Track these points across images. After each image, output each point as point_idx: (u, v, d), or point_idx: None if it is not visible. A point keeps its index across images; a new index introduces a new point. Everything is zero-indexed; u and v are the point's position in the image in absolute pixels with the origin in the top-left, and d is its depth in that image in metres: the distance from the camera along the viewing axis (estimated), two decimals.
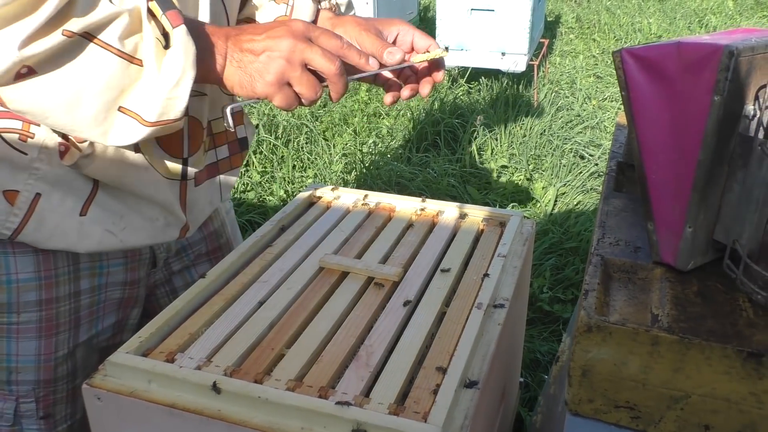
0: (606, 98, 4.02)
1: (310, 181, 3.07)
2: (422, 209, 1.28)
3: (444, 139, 3.41)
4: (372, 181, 2.97)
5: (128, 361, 0.84)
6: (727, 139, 0.59)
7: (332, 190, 1.35)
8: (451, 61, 3.86)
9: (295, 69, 0.81)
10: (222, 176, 1.11)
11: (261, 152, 3.27)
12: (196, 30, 0.80)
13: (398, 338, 0.91)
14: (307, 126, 3.55)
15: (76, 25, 0.72)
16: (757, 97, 0.57)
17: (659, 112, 0.61)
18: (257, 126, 3.42)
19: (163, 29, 0.76)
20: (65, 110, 0.75)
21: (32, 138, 0.87)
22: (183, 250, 1.15)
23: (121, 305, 1.06)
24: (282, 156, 3.26)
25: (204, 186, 1.07)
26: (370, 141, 3.46)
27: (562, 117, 3.65)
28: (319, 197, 1.35)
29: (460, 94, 3.99)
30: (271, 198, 2.92)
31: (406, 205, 1.30)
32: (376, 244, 1.16)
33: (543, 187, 2.93)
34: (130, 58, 0.75)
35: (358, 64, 0.89)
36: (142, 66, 0.76)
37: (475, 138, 3.36)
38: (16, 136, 0.86)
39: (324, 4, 1.10)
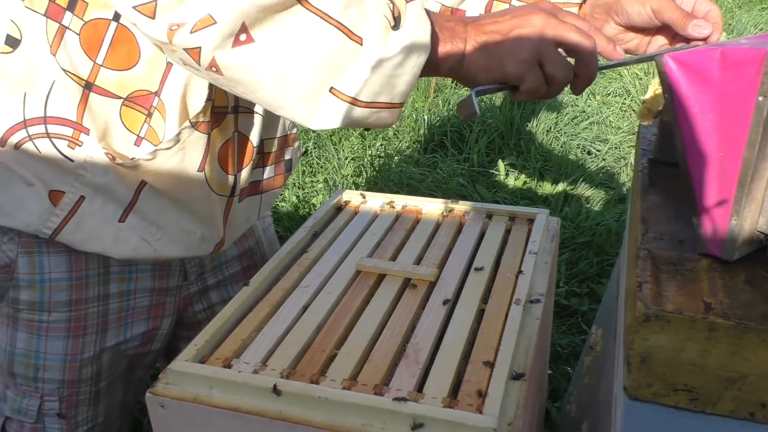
0: (609, 93, 4.06)
1: (320, 186, 3.11)
2: (450, 210, 1.31)
3: (451, 140, 3.45)
4: (383, 183, 3.00)
5: (188, 368, 0.88)
6: None
7: (361, 195, 1.39)
8: None
9: (550, 46, 0.75)
10: (263, 195, 1.13)
11: None
12: (430, 15, 0.76)
13: (442, 335, 0.95)
14: (314, 131, 3.58)
15: None
16: None
17: (702, 114, 0.64)
18: None
19: (395, 10, 0.72)
20: (278, 84, 0.73)
21: (80, 146, 0.89)
22: (219, 267, 1.18)
23: (150, 314, 1.08)
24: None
25: (244, 203, 1.09)
26: (377, 144, 3.49)
27: (567, 114, 3.69)
28: (347, 202, 1.38)
29: (464, 93, 4.03)
30: (283, 204, 2.95)
31: (432, 207, 1.33)
32: (409, 245, 1.20)
33: (552, 184, 2.97)
34: (349, 33, 0.71)
35: (606, 50, 0.82)
36: (360, 44, 0.72)
37: (482, 137, 3.40)
38: (65, 142, 0.89)
39: None
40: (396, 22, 0.72)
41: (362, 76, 0.72)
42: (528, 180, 3.04)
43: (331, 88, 0.73)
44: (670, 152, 0.78)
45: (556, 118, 3.62)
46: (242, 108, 0.98)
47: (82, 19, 0.83)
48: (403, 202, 1.36)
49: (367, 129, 0.86)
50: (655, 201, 0.81)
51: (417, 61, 0.73)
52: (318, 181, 3.15)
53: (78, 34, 0.84)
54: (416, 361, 0.89)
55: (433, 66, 0.77)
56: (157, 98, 0.89)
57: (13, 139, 0.88)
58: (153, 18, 0.70)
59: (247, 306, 1.03)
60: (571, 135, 3.46)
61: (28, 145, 0.88)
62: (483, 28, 0.77)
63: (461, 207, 1.32)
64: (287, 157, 1.12)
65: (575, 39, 0.75)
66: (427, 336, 0.95)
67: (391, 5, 0.72)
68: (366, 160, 3.28)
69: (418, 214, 1.33)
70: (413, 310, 1.01)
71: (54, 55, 0.84)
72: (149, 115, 0.89)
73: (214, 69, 0.72)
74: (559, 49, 0.77)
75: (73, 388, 1.04)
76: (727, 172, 0.63)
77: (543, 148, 3.33)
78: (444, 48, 0.76)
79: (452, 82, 4.21)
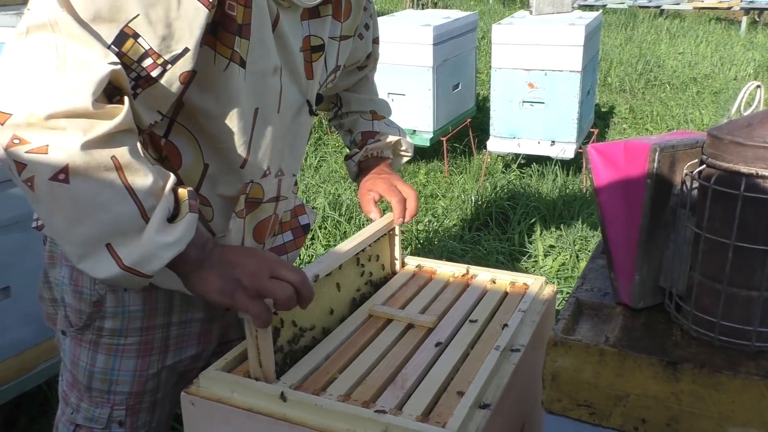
0: None
1: None
2: (460, 273, 1.50)
3: (495, 220, 3.63)
4: (424, 255, 3.19)
5: (217, 375, 1.08)
6: (662, 210, 0.80)
7: None
8: (505, 148, 4.14)
9: (265, 278, 0.98)
10: (288, 254, 1.37)
11: (325, 228, 3.57)
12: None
13: (429, 370, 1.12)
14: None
15: (123, 158, 0.88)
16: (683, 180, 0.79)
17: (614, 191, 0.83)
18: (324, 206, 3.74)
19: (176, 209, 0.94)
20: (68, 222, 0.88)
21: None
22: None
23: (200, 339, 1.30)
24: (345, 232, 3.54)
25: None
26: (426, 219, 3.71)
27: None
28: None
29: (513, 178, 4.24)
30: None
31: (444, 269, 1.52)
32: (418, 298, 1.39)
33: None
34: (144, 213, 0.90)
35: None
36: (146, 223, 0.90)
37: (525, 219, 3.57)
38: None
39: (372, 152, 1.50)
40: (172, 219, 0.93)
41: (135, 246, 0.90)
42: (565, 261, 3.16)
43: (109, 244, 0.89)
44: None
45: None
46: (282, 197, 1.25)
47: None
48: (419, 262, 1.56)
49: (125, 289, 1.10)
50: (601, 263, 0.98)
51: (173, 250, 0.92)
52: None
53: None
54: (402, 387, 1.07)
55: (178, 265, 0.96)
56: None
57: None
58: (2, 125, 0.85)
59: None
60: None
61: None
62: (223, 255, 1.01)
63: (470, 271, 1.51)
64: (302, 222, 1.36)
65: (284, 272, 0.99)
66: (416, 369, 1.12)
67: (173, 204, 0.93)
68: (413, 233, 3.50)
69: (432, 274, 1.52)
70: (409, 348, 1.19)
71: (147, 150, 1.10)
72: None
73: (29, 184, 0.87)
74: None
75: (138, 398, 1.26)
76: (631, 237, 0.81)
77: (582, 232, 3.46)
78: (189, 253, 0.96)
79: (502, 166, 4.44)
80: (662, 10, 11.16)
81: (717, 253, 0.73)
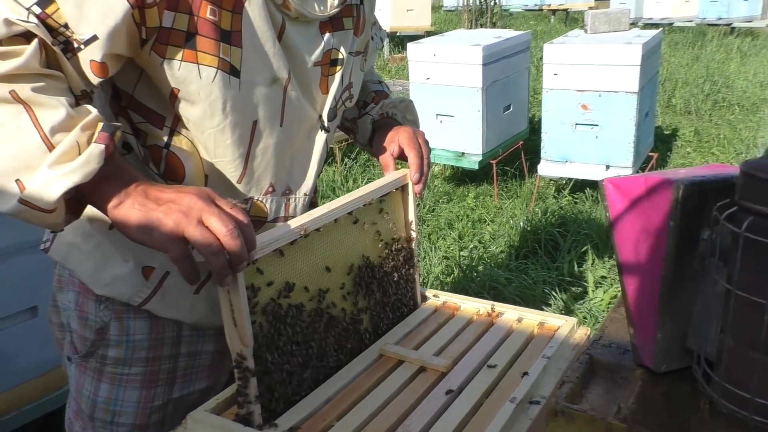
0: None
1: None
2: (486, 311, 1.39)
3: (544, 248, 3.47)
4: (466, 284, 3.07)
5: (205, 417, 1.01)
6: (689, 258, 0.68)
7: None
8: (556, 172, 3.98)
9: (192, 223, 0.86)
10: None
11: None
12: (119, 163, 0.91)
13: (435, 422, 1.01)
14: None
15: (23, 92, 0.85)
16: (711, 223, 0.67)
17: (634, 234, 0.71)
18: None
19: (87, 141, 0.87)
20: None
21: None
22: None
23: (210, 372, 1.24)
24: None
25: None
26: (472, 245, 3.59)
27: None
28: None
29: (565, 203, 4.06)
30: None
31: (469, 306, 1.41)
32: (435, 337, 1.28)
33: None
34: (50, 146, 0.85)
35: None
36: (49, 152, 0.85)
37: (576, 247, 3.39)
38: None
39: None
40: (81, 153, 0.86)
41: (34, 177, 0.84)
42: (618, 294, 2.98)
43: (18, 180, 0.84)
44: None
45: None
46: (291, 217, 1.18)
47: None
48: (444, 297, 1.46)
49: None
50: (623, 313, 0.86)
51: (65, 182, 0.84)
52: None
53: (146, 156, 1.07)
54: None
55: (96, 201, 0.90)
56: None
57: None
58: None
59: None
60: None
61: None
62: (147, 191, 0.89)
63: (496, 308, 1.39)
64: None
65: (213, 220, 0.86)
66: (420, 420, 1.02)
67: (86, 139, 0.86)
68: (456, 259, 3.38)
69: (455, 310, 1.41)
70: (417, 395, 1.09)
71: (148, 165, 1.08)
72: None
73: None
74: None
75: (142, 431, 1.21)
76: (652, 289, 0.69)
77: None
78: (107, 190, 0.89)
79: (554, 191, 4.26)
80: (733, 28, 10.68)
81: (751, 313, 0.60)
